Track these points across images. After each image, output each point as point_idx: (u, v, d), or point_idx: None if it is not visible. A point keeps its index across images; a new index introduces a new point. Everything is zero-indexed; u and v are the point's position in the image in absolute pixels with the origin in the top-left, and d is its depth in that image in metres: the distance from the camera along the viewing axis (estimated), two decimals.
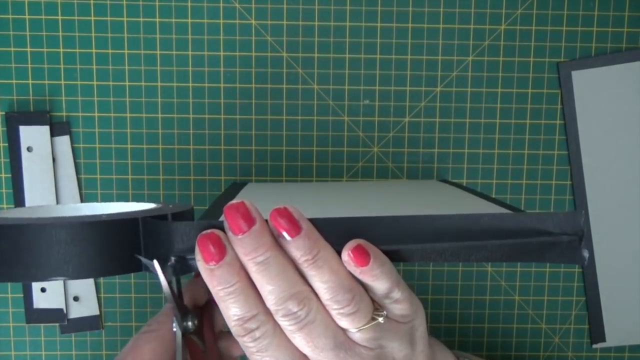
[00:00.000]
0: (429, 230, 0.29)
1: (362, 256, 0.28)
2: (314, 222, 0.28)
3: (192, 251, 0.28)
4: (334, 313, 0.28)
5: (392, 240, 0.29)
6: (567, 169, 0.51)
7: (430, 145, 0.51)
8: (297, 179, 0.50)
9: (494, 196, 0.51)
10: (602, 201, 0.51)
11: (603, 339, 0.52)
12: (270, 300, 0.27)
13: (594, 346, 0.53)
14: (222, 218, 0.28)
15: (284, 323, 0.27)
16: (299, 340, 0.28)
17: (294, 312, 0.27)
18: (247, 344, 0.28)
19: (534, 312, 0.52)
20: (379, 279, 0.28)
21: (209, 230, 0.28)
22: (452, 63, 0.50)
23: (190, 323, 0.31)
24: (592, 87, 0.50)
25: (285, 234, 0.27)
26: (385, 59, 0.49)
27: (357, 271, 0.28)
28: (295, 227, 0.27)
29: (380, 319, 0.29)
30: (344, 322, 0.28)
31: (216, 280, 0.27)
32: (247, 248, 0.27)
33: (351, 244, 0.28)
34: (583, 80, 0.50)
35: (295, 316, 0.27)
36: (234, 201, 0.28)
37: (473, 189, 0.49)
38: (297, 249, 0.27)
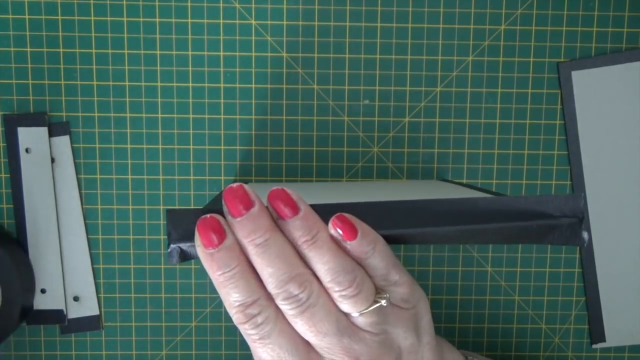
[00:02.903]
0: (428, 214, 0.29)
1: (347, 228, 0.28)
2: (313, 207, 0.28)
3: (190, 239, 0.28)
4: (335, 296, 0.27)
5: (391, 225, 0.29)
6: (567, 169, 0.51)
7: (430, 145, 0.51)
8: (297, 179, 0.50)
9: None
10: (602, 201, 0.51)
11: (603, 339, 0.52)
12: (270, 284, 0.27)
13: (594, 346, 0.53)
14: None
15: (285, 307, 0.27)
16: (301, 326, 0.27)
17: (295, 295, 0.27)
18: (248, 331, 0.28)
19: (534, 312, 0.52)
20: (372, 256, 0.28)
21: (207, 215, 0.28)
22: (452, 63, 0.50)
23: None
24: (592, 87, 0.50)
25: (283, 214, 0.27)
26: (385, 59, 0.49)
27: (347, 247, 0.28)
28: (293, 208, 0.27)
29: (383, 302, 0.28)
30: (345, 305, 0.28)
31: (216, 264, 0.27)
32: (246, 230, 0.27)
33: (333, 216, 0.28)
34: (583, 80, 0.50)
35: (296, 299, 0.27)
36: (232, 185, 0.28)
37: (475, 186, 0.49)
38: (296, 229, 0.27)
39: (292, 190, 0.28)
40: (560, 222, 0.29)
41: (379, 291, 0.29)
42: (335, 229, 0.28)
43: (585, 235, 0.29)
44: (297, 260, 0.27)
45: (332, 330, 0.27)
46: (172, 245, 0.28)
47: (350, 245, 0.28)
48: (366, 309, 0.28)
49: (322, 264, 0.27)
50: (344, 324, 0.28)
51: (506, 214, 0.29)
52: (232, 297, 0.27)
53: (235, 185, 0.28)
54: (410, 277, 0.30)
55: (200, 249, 0.28)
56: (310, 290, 0.27)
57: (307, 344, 0.28)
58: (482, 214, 0.29)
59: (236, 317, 0.28)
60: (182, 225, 0.28)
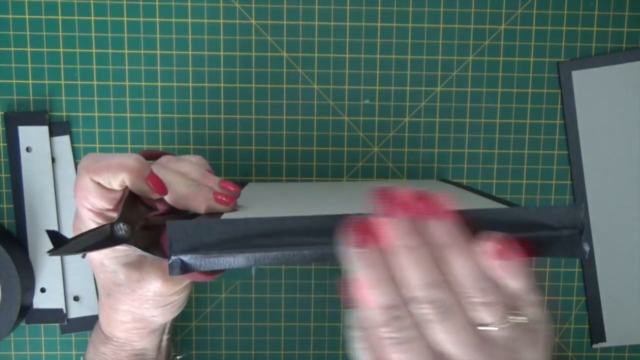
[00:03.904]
0: None
1: (509, 249, 0.28)
2: (312, 218, 0.28)
3: (191, 251, 0.28)
4: (472, 302, 0.28)
5: None
6: (567, 169, 0.51)
7: (430, 145, 0.50)
8: (297, 179, 0.50)
9: None
10: (602, 201, 0.51)
11: (603, 339, 0.52)
12: (414, 287, 0.27)
13: (594, 346, 0.53)
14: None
15: (425, 311, 0.27)
16: (438, 332, 0.27)
17: (438, 300, 0.27)
18: (387, 334, 0.27)
19: None
20: (518, 276, 0.28)
21: (360, 216, 0.28)
22: (452, 63, 0.50)
23: (122, 229, 0.31)
24: (592, 87, 0.50)
25: (434, 219, 0.28)
26: (385, 58, 0.49)
27: (497, 264, 0.28)
28: (441, 213, 0.28)
29: (522, 318, 0.28)
30: (483, 314, 0.28)
31: (365, 265, 0.27)
32: (398, 233, 0.27)
33: (495, 235, 0.28)
34: (583, 80, 0.50)
35: (437, 304, 0.27)
36: (384, 186, 0.28)
37: (474, 187, 0.49)
38: (442, 234, 0.28)
39: (440, 194, 0.28)
40: (560, 234, 0.29)
41: (515, 309, 0.29)
42: (495, 247, 0.28)
43: (586, 247, 0.29)
44: (440, 267, 0.28)
45: (468, 340, 0.27)
46: (173, 257, 0.28)
47: (505, 264, 0.28)
48: (503, 322, 0.28)
49: (465, 270, 0.28)
50: (479, 335, 0.28)
51: (507, 226, 0.29)
52: (376, 299, 0.27)
53: (388, 186, 0.28)
54: (541, 299, 0.30)
55: (350, 248, 0.28)
56: (451, 297, 0.27)
57: (439, 356, 0.28)
58: (484, 225, 0.29)
59: (377, 318, 0.27)
60: (183, 237, 0.28)
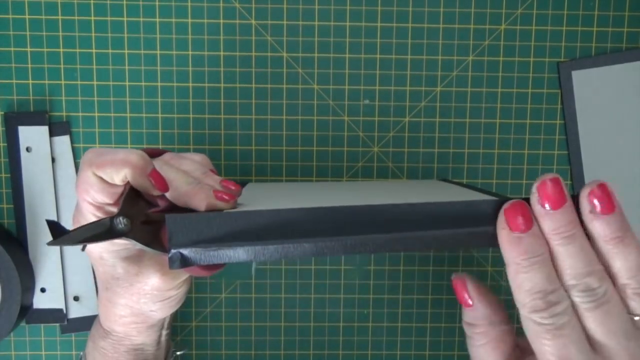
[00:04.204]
0: (428, 217, 0.29)
1: None
2: (307, 210, 0.28)
3: (191, 244, 0.28)
4: (630, 292, 0.28)
5: (392, 228, 0.29)
6: (567, 169, 0.51)
7: (430, 145, 0.51)
8: (297, 179, 0.50)
9: None
10: None
11: None
12: (569, 275, 0.28)
13: None
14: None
15: (580, 299, 0.28)
16: (592, 321, 0.28)
17: (593, 289, 0.27)
18: (544, 320, 0.28)
19: None
20: None
21: (516, 201, 0.29)
22: (452, 63, 0.50)
23: (122, 223, 0.31)
24: (592, 87, 0.50)
25: (603, 210, 0.28)
26: (385, 58, 0.50)
27: None
28: (613, 206, 0.28)
29: None
30: (637, 304, 0.28)
31: (522, 248, 0.28)
32: (558, 223, 0.28)
33: None
34: (583, 80, 0.50)
35: (593, 293, 0.27)
36: (548, 176, 0.28)
37: (475, 186, 0.49)
38: (609, 225, 0.28)
39: (610, 184, 0.29)
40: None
41: None
42: None
43: None
44: (595, 257, 0.28)
45: (621, 330, 0.28)
46: (173, 251, 0.28)
47: None
48: None
49: (625, 261, 0.28)
50: (632, 326, 0.28)
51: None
52: (531, 283, 0.28)
53: (552, 177, 0.28)
54: None
55: (505, 232, 0.28)
56: (606, 287, 0.28)
57: (591, 347, 0.28)
58: (483, 216, 0.29)
59: (533, 303, 0.28)
60: (182, 230, 0.28)
